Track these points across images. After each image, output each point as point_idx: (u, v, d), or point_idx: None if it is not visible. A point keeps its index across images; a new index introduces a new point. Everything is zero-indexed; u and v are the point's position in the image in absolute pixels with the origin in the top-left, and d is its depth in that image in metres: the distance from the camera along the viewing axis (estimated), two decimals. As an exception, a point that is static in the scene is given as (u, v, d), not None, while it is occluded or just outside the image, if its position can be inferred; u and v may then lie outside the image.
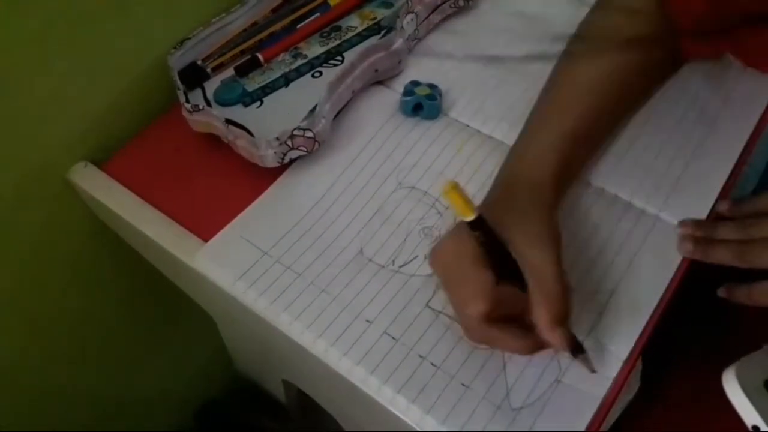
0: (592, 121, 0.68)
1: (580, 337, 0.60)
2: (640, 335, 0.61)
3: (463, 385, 0.59)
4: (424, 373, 0.60)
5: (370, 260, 0.67)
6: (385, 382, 0.59)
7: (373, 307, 0.64)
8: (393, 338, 0.62)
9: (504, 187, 0.64)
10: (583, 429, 0.57)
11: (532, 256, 0.56)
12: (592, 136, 0.69)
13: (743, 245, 0.63)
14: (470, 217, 0.54)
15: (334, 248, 0.68)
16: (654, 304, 0.63)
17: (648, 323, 0.62)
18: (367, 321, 0.63)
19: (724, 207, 0.69)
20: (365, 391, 0.60)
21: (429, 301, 0.64)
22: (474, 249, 0.56)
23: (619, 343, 0.61)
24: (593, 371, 0.58)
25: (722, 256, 0.64)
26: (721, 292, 0.66)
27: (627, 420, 0.67)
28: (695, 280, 0.66)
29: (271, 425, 1.15)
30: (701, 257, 0.65)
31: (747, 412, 0.57)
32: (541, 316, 0.54)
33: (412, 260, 0.67)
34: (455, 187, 0.52)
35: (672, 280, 0.64)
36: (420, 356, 0.61)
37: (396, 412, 0.59)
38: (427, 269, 0.65)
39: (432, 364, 0.60)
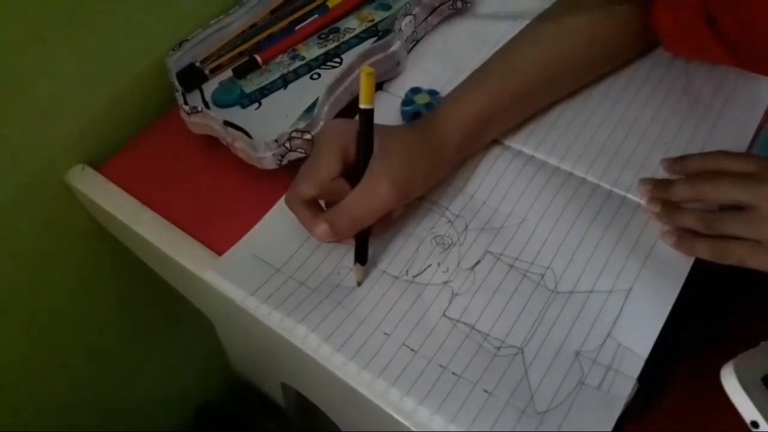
0: (536, 83, 0.70)
1: (599, 340, 0.59)
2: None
3: (485, 391, 0.56)
4: (445, 383, 0.57)
5: (384, 272, 0.64)
6: (406, 394, 0.56)
7: (390, 319, 0.61)
8: (412, 350, 0.59)
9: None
10: (610, 429, 0.55)
11: (376, 166, 0.60)
12: (529, 99, 0.72)
13: (718, 243, 0.61)
14: (366, 106, 0.59)
15: (347, 262, 0.65)
16: (672, 299, 0.61)
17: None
18: (385, 334, 0.60)
19: (665, 164, 0.68)
20: (381, 403, 0.57)
21: (445, 310, 0.61)
22: (348, 141, 0.61)
23: (640, 342, 0.58)
24: (358, 284, 0.63)
25: (700, 252, 0.63)
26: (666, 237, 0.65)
27: (625, 421, 0.65)
28: (694, 280, 0.64)
29: (269, 427, 1.12)
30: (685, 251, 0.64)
31: (745, 407, 0.56)
32: (340, 211, 0.61)
33: (425, 269, 0.64)
34: (372, 74, 0.57)
35: (688, 276, 0.62)
36: (440, 366, 0.58)
37: (419, 421, 0.56)
38: (441, 277, 0.63)
39: (453, 374, 0.57)
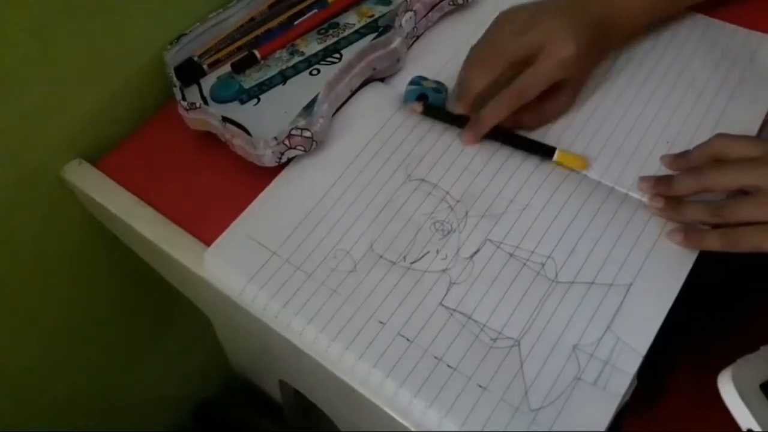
0: None
1: (598, 334, 0.57)
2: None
3: (480, 386, 0.55)
4: (440, 375, 0.55)
5: (381, 257, 0.62)
6: (401, 386, 0.55)
7: (386, 307, 0.59)
8: (407, 339, 0.57)
9: None
10: (604, 428, 0.53)
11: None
12: None
13: (728, 231, 0.59)
14: None
15: (344, 245, 0.63)
16: (673, 296, 0.59)
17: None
18: (380, 322, 0.58)
19: (667, 161, 0.67)
20: (377, 397, 0.56)
21: (442, 299, 0.59)
22: None
23: (639, 338, 0.57)
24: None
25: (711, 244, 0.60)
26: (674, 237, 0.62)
27: (625, 420, 0.64)
28: (693, 280, 0.62)
29: (267, 425, 1.12)
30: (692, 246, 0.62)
31: (742, 415, 0.54)
32: None
33: (423, 256, 0.62)
34: None
35: (690, 274, 0.60)
36: (435, 357, 0.56)
37: (413, 416, 0.55)
38: (440, 265, 0.61)
39: (448, 366, 0.56)
